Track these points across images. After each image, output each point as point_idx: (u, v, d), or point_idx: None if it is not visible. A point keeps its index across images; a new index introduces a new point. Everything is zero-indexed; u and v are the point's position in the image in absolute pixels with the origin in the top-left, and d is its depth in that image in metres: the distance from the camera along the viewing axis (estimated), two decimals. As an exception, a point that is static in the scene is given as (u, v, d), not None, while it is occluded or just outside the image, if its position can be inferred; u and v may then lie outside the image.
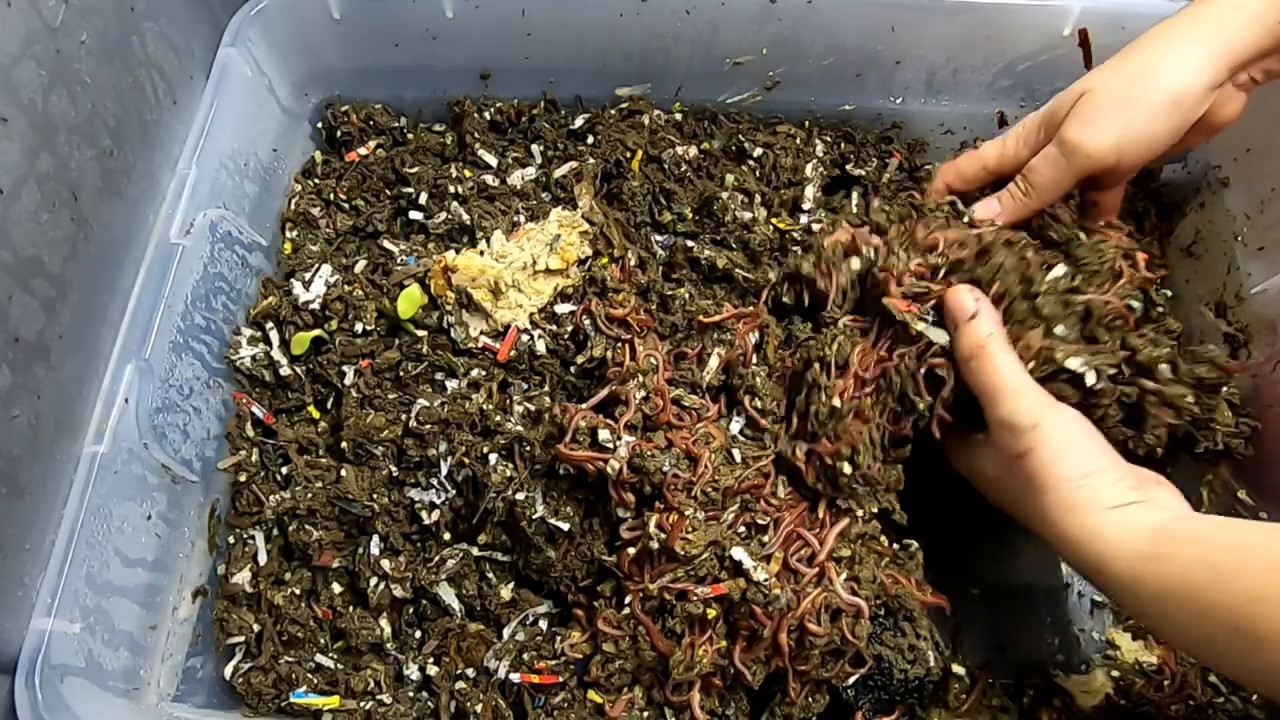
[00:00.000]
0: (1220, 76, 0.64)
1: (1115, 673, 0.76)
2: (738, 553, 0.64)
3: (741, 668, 0.65)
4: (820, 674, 0.65)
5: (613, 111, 0.93)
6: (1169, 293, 0.88)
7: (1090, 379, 0.63)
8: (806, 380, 0.68)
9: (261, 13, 0.84)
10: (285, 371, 0.81)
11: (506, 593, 0.74)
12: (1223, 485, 0.80)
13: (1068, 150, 0.67)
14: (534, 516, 0.70)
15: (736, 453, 0.69)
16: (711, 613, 0.64)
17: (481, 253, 0.82)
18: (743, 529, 0.66)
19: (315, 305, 0.81)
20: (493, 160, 0.91)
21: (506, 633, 0.72)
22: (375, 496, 0.75)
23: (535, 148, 0.92)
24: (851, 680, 0.66)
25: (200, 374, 0.78)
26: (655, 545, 0.65)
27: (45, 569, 0.65)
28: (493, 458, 0.72)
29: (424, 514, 0.75)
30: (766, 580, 0.63)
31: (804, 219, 0.88)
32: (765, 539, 0.66)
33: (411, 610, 0.75)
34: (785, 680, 0.66)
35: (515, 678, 0.69)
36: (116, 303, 0.74)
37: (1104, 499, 0.57)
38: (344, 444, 0.77)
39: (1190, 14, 0.65)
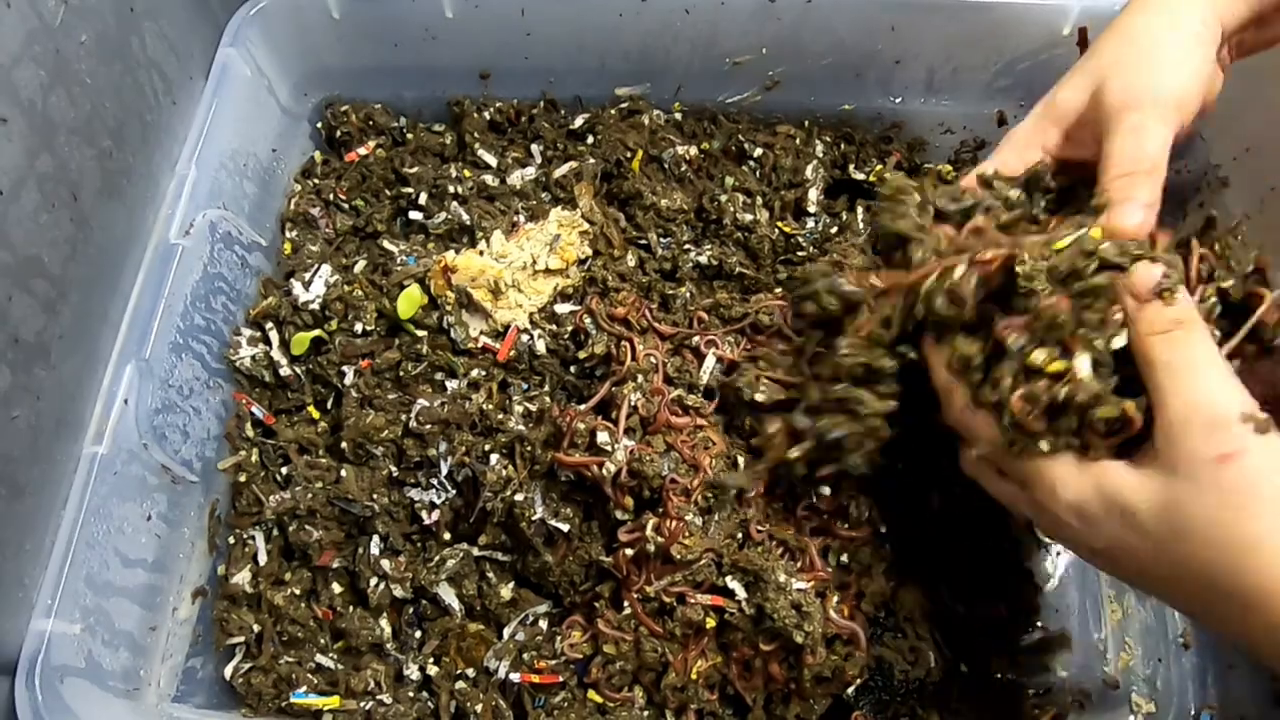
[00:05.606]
0: (1218, 41, 0.60)
1: None
2: (730, 582, 0.64)
3: (742, 692, 0.65)
4: (817, 692, 0.65)
5: (612, 111, 0.93)
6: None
7: None
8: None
9: (261, 13, 0.84)
10: (285, 372, 0.81)
11: (506, 593, 0.73)
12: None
13: (1152, 107, 0.57)
14: (533, 518, 0.70)
15: (740, 459, 0.68)
16: (710, 622, 0.64)
17: (481, 253, 0.82)
18: (739, 537, 0.66)
19: (315, 305, 0.81)
20: (492, 160, 0.91)
21: (506, 633, 0.72)
22: (375, 496, 0.75)
23: (535, 148, 0.92)
24: (852, 686, 0.66)
25: (200, 374, 0.78)
26: (652, 548, 0.65)
27: (45, 570, 0.65)
28: (493, 458, 0.72)
29: (424, 514, 0.75)
30: (756, 605, 0.63)
31: (810, 222, 0.88)
32: (759, 554, 0.65)
33: (411, 610, 0.75)
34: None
35: (515, 678, 0.69)
36: (116, 303, 0.74)
37: None
38: (344, 444, 0.77)
39: None
